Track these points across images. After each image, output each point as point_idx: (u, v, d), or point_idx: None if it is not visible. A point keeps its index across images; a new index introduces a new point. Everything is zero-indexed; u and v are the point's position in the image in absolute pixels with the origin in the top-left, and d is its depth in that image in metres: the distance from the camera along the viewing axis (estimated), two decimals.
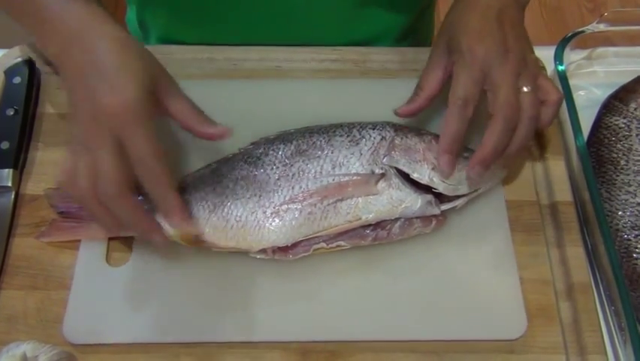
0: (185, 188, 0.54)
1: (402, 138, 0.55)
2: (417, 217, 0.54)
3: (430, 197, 0.54)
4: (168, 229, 0.51)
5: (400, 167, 0.54)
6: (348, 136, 0.55)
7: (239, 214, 0.53)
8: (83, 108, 0.47)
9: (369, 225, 0.53)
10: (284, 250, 0.53)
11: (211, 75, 0.65)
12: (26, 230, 0.56)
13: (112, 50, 0.47)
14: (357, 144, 0.55)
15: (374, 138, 0.55)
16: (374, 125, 0.56)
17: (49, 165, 0.59)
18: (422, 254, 0.55)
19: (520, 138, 0.51)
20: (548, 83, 0.54)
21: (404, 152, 0.54)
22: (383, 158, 0.54)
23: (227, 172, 0.55)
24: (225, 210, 0.53)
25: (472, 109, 0.51)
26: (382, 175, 0.54)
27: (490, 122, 0.51)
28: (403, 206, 0.53)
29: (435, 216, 0.54)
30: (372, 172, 0.53)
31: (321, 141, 0.55)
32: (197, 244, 0.53)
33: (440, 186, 0.53)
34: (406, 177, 0.54)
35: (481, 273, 0.54)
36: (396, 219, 0.53)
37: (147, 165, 0.47)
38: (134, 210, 0.48)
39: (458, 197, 0.54)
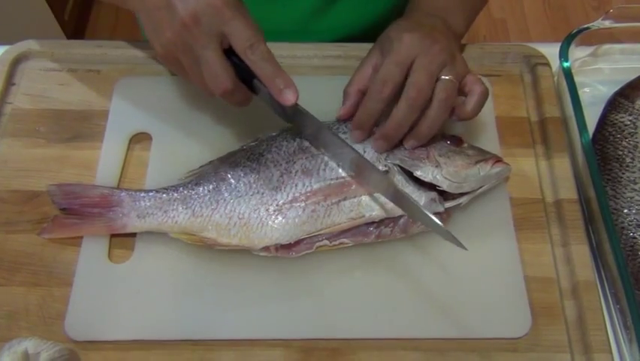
0: (188, 185, 0.54)
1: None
2: None
3: (433, 194, 0.53)
4: (172, 228, 0.51)
5: (403, 165, 0.53)
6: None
7: (242, 212, 0.52)
8: (180, 11, 0.48)
9: (373, 222, 0.53)
10: (287, 247, 0.52)
11: None
12: (28, 226, 0.56)
13: None
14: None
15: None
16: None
17: (51, 161, 0.59)
18: (425, 252, 0.54)
19: (429, 119, 0.53)
20: (475, 77, 0.55)
21: (408, 150, 0.54)
22: (386, 156, 0.54)
23: (229, 169, 0.54)
24: (228, 207, 0.53)
25: (389, 89, 0.52)
26: (386, 173, 0.53)
27: (397, 102, 0.53)
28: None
29: (439, 213, 0.54)
30: None
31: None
32: (200, 242, 0.52)
33: (444, 184, 0.53)
34: (409, 175, 0.54)
35: (485, 271, 0.54)
36: (400, 216, 0.53)
37: (258, 49, 0.49)
38: (246, 96, 0.52)
39: (462, 194, 0.54)
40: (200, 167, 0.56)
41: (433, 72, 0.52)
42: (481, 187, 0.55)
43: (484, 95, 0.54)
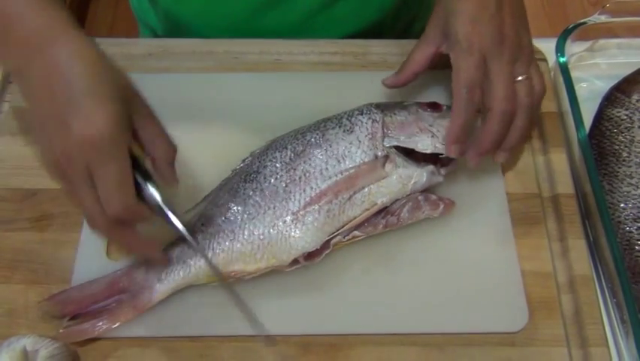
0: (196, 230, 0.52)
1: (391, 116, 0.55)
2: (425, 201, 0.54)
3: (431, 167, 0.54)
4: (198, 275, 0.50)
5: (402, 144, 0.54)
6: (340, 127, 0.55)
7: (260, 232, 0.51)
8: (52, 134, 0.43)
9: (380, 212, 0.53)
10: (311, 255, 0.52)
11: (211, 68, 0.65)
12: (26, 224, 0.56)
13: (79, 68, 0.42)
14: (352, 132, 0.54)
15: (365, 122, 0.55)
16: (360, 111, 0.56)
17: None
18: (423, 247, 0.55)
19: (519, 129, 0.52)
20: (537, 73, 0.54)
21: (399, 129, 0.54)
22: (382, 140, 0.54)
23: (231, 197, 0.53)
24: (246, 233, 0.51)
25: (478, 94, 0.51)
26: (386, 157, 0.53)
27: (488, 116, 0.51)
28: (412, 182, 0.53)
29: (442, 200, 0.54)
30: (376, 156, 0.53)
31: (315, 138, 0.55)
32: (229, 278, 0.51)
33: (445, 150, 0.54)
34: (405, 154, 0.54)
35: (482, 266, 0.54)
36: (404, 203, 0.53)
37: (113, 208, 0.43)
38: (131, 237, 0.47)
39: (453, 162, 0.55)
40: (195, 206, 0.54)
41: (511, 76, 0.51)
42: None
43: (542, 97, 0.54)
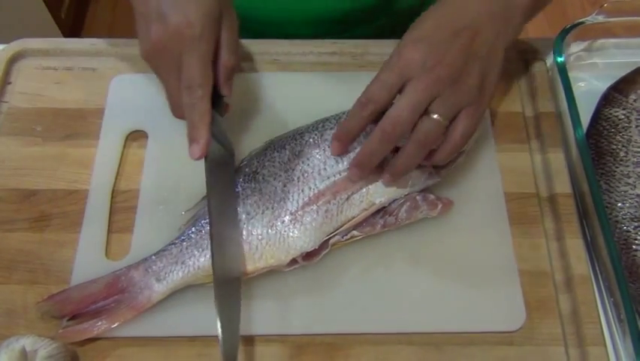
0: (194, 227, 0.52)
1: None
2: (423, 201, 0.54)
3: (429, 168, 0.54)
4: (196, 276, 0.51)
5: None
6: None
7: (259, 232, 0.52)
8: (151, 25, 0.48)
9: (378, 212, 0.53)
10: (310, 255, 0.52)
11: None
12: (25, 225, 0.56)
13: None
14: None
15: None
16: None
17: (48, 160, 0.60)
18: (421, 247, 0.55)
19: (403, 158, 0.49)
20: (466, 124, 0.48)
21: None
22: None
23: None
24: (244, 233, 0.52)
25: (370, 110, 0.48)
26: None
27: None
28: (410, 182, 0.53)
29: (441, 200, 0.54)
30: None
31: (314, 139, 0.55)
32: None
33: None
34: None
35: (480, 265, 0.54)
36: (402, 203, 0.53)
37: (193, 94, 0.49)
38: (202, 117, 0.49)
39: (451, 161, 0.54)
40: (195, 206, 0.55)
41: (418, 104, 0.46)
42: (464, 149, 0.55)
43: (455, 147, 0.48)
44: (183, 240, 0.52)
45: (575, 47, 0.66)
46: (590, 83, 0.66)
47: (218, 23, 0.50)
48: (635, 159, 0.57)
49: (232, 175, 0.54)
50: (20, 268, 0.54)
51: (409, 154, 0.49)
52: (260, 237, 0.51)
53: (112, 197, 0.57)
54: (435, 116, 0.46)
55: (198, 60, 0.48)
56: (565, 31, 0.63)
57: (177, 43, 0.48)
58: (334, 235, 0.53)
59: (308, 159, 0.54)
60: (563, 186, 0.57)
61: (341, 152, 0.53)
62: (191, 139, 0.49)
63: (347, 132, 0.51)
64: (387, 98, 0.48)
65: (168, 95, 0.51)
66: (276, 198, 0.52)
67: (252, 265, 0.51)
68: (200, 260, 0.51)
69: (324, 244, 0.53)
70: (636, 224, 0.55)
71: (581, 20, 0.64)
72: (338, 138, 0.52)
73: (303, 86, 0.64)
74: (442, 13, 0.48)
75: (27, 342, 0.47)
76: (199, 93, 0.49)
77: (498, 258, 0.54)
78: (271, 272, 0.53)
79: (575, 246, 0.54)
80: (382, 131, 0.47)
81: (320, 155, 0.54)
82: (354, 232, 0.53)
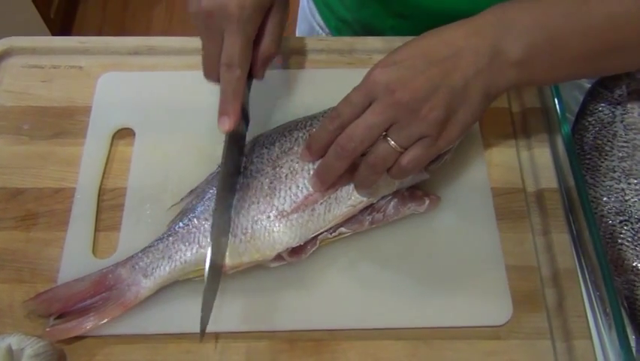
0: (180, 221, 0.52)
1: None
2: (411, 197, 0.54)
3: None
4: (184, 270, 0.51)
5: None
6: None
7: (244, 226, 0.52)
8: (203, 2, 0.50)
9: (366, 209, 0.54)
10: (297, 252, 0.52)
11: (198, 66, 0.65)
12: (12, 223, 0.56)
13: None
14: None
15: None
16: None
17: (34, 158, 0.59)
18: (409, 242, 0.55)
19: (358, 177, 0.50)
20: (425, 156, 0.47)
21: None
22: None
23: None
24: (230, 226, 0.52)
25: (336, 125, 0.48)
26: None
27: None
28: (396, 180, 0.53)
29: (428, 195, 0.54)
30: None
31: (303, 135, 0.55)
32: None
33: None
34: None
35: (467, 260, 0.54)
36: (390, 200, 0.54)
37: (230, 71, 0.51)
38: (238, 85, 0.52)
39: (440, 156, 0.54)
40: (182, 199, 0.55)
41: (374, 124, 0.46)
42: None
43: (402, 173, 0.48)
44: (169, 235, 0.52)
45: None
46: None
47: (268, 11, 0.53)
48: (620, 154, 0.57)
49: (243, 150, 0.56)
50: (7, 266, 0.54)
51: (361, 173, 0.50)
52: (244, 231, 0.51)
53: (99, 195, 0.57)
54: (390, 141, 0.47)
55: (243, 41, 0.51)
56: None
57: (224, 19, 0.50)
58: (322, 232, 0.53)
59: (297, 156, 0.54)
60: (549, 181, 0.58)
61: (309, 160, 0.53)
62: (223, 112, 0.52)
63: (315, 143, 0.52)
64: (352, 116, 0.48)
65: (205, 55, 0.53)
66: (262, 193, 0.53)
67: (237, 259, 0.51)
68: (187, 254, 0.51)
69: (311, 241, 0.53)
70: (621, 218, 0.55)
71: None
72: (307, 146, 0.53)
73: (291, 83, 0.64)
74: (425, 42, 0.48)
75: (13, 341, 0.47)
76: (237, 73, 0.51)
77: (485, 253, 0.55)
78: (259, 268, 0.53)
79: (561, 240, 0.55)
80: (336, 144, 0.48)
81: None
82: (342, 229, 0.53)
